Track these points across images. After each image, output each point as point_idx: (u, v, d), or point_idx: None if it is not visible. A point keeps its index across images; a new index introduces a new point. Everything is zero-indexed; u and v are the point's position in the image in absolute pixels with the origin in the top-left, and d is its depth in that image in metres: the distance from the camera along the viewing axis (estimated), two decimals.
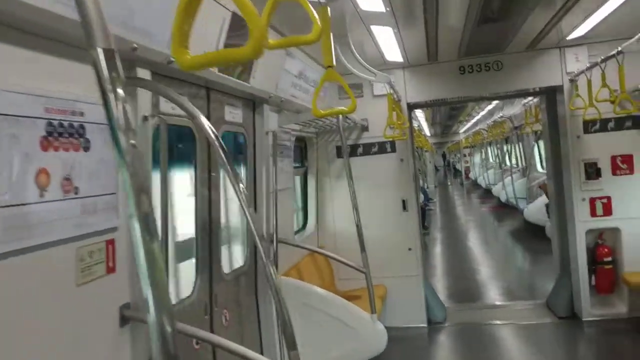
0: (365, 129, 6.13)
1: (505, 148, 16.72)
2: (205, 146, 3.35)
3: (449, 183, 33.72)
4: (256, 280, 4.20)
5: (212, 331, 3.32)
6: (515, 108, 12.02)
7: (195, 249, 3.33)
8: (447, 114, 16.88)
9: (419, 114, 15.18)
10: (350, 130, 6.18)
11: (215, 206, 3.46)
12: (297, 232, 5.92)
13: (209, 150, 3.35)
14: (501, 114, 13.00)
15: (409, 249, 6.06)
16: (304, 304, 4.36)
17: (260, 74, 3.71)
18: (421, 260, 6.15)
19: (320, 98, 5.49)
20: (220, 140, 2.26)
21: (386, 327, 6.11)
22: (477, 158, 26.70)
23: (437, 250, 11.59)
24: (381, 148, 6.13)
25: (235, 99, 3.84)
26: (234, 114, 3.80)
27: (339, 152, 6.22)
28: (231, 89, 3.55)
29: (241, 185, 2.33)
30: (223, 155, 2.23)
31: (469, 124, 23.28)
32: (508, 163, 18.33)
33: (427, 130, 24.82)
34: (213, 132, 2.24)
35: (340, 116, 4.44)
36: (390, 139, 5.90)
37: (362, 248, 4.37)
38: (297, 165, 6.16)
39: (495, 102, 13.83)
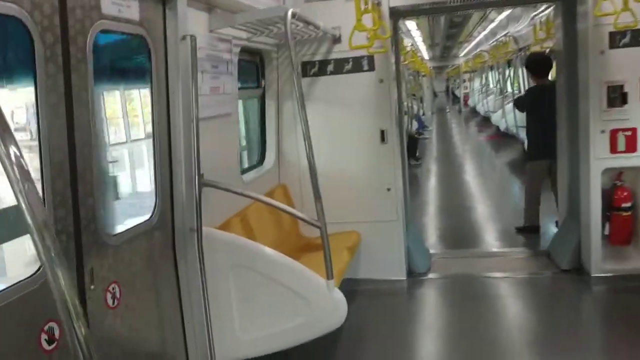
0: (337, 40, 4.91)
1: (507, 73, 15.35)
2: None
3: (447, 110, 32.39)
4: (174, 237, 3.18)
5: (86, 318, 2.34)
6: (520, 25, 10.66)
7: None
8: (446, 32, 15.39)
9: (415, 32, 13.75)
10: (319, 42, 4.97)
11: (81, 140, 2.36)
12: (248, 169, 4.85)
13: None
14: (505, 33, 11.61)
15: (388, 189, 5.01)
16: (238, 264, 3.36)
17: None
18: (403, 202, 5.13)
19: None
20: None
21: (358, 280, 5.24)
22: (476, 84, 25.25)
23: (429, 184, 10.59)
24: (356, 65, 4.94)
25: None
26: (122, 6, 2.63)
27: (306, 70, 5.04)
28: None
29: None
30: None
31: (469, 46, 21.73)
32: (509, 89, 17.04)
33: (424, 53, 23.30)
34: None
35: (289, 17, 3.25)
36: (369, 53, 4.71)
37: (316, 195, 3.30)
38: (251, 85, 5.01)
39: (499, 19, 12.41)
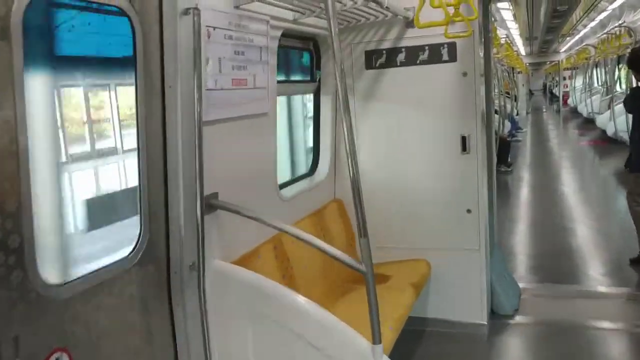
0: (409, 23, 3.96)
1: (617, 69, 13.51)
2: None
3: (544, 110, 30.05)
4: (169, 277, 2.40)
5: None
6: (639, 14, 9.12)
7: None
8: (547, 24, 13.78)
9: (511, 23, 12.35)
10: (387, 26, 4.03)
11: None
12: (293, 181, 4.01)
13: None
14: (620, 22, 10.02)
15: (468, 211, 4.00)
16: (257, 314, 2.54)
17: None
18: (487, 228, 4.10)
19: None
20: None
21: (426, 320, 4.28)
22: (578, 82, 23.01)
23: (521, 196, 9.28)
24: (434, 54, 3.95)
25: None
26: None
27: (370, 61, 4.12)
28: None
29: None
30: None
31: (573, 40, 19.75)
32: (619, 88, 15.10)
33: (521, 48, 21.53)
34: None
35: None
36: (448, 38, 3.72)
37: (363, 232, 2.38)
38: (302, 79, 4.17)
39: (612, 7, 10.82)
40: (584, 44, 16.92)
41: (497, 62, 12.06)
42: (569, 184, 9.70)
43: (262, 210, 2.96)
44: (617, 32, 10.83)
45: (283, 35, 3.28)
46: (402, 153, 4.10)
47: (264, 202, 3.11)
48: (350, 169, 2.21)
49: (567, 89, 27.29)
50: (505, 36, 10.62)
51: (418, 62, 4.00)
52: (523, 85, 23.95)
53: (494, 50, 9.49)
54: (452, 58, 3.92)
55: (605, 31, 11.89)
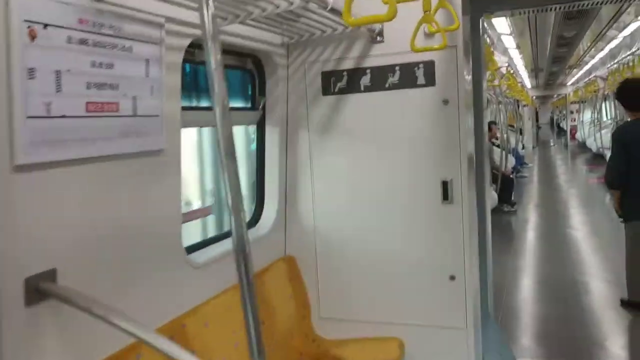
0: (375, 38, 3.12)
1: None
2: None
3: (552, 144, 29.16)
4: None
5: None
6: None
7: None
8: (552, 53, 13.02)
9: (514, 52, 11.58)
10: (349, 40, 3.20)
11: None
12: (219, 238, 3.10)
13: None
14: (634, 50, 9.21)
15: (451, 278, 3.09)
16: None
17: None
18: (476, 301, 3.18)
19: None
20: None
21: None
22: (587, 115, 22.15)
23: (525, 241, 8.29)
24: (406, 76, 3.10)
25: None
26: None
27: (328, 84, 3.27)
28: None
29: None
30: None
31: (580, 72, 19.00)
32: None
33: (526, 80, 20.82)
34: None
35: None
36: (415, 49, 2.86)
37: None
38: (243, 106, 3.33)
39: (622, 36, 10.03)
40: (592, 75, 16.12)
41: (500, 94, 11.27)
42: (579, 227, 8.74)
43: (158, 285, 2.11)
44: (630, 62, 9.98)
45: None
46: (367, 201, 3.22)
47: (158, 274, 2.23)
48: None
49: (575, 123, 26.47)
50: (507, 64, 9.84)
51: (387, 86, 3.15)
52: (529, 118, 23.10)
53: (491, 77, 8.68)
54: (430, 81, 3.06)
55: (615, 61, 11.09)
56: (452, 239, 3.06)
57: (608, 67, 12.38)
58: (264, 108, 3.29)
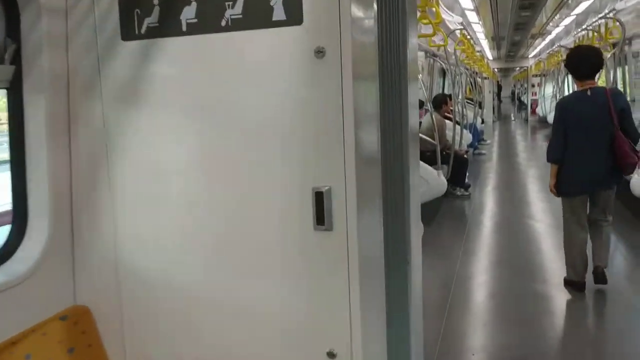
0: None
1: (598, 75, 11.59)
2: None
3: (513, 119, 28.41)
4: None
5: None
6: (631, 1, 7.15)
7: None
8: (514, 20, 11.82)
9: (472, 14, 10.30)
10: None
11: None
12: None
13: None
14: (606, 13, 8.02)
15: (330, 355, 1.81)
16: None
17: None
18: None
19: None
20: None
21: None
22: (548, 89, 21.26)
23: (480, 236, 6.98)
24: (254, 7, 1.76)
25: None
26: None
27: (130, 23, 1.90)
28: None
29: None
30: None
31: (543, 43, 17.96)
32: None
33: (488, 52, 19.76)
34: None
35: None
36: None
37: None
38: None
39: None
40: (555, 46, 15.05)
41: (456, 63, 10.04)
42: (541, 219, 7.59)
43: None
44: (604, 25, 8.72)
45: None
46: (193, 221, 1.90)
47: None
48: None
49: (536, 97, 25.69)
50: (461, 26, 8.55)
51: (223, 24, 1.80)
52: (490, 91, 22.08)
53: (438, 38, 7.28)
54: (294, 17, 1.72)
55: (583, 27, 9.94)
56: (330, 293, 1.77)
57: (575, 35, 11.26)
58: (17, 62, 1.90)
